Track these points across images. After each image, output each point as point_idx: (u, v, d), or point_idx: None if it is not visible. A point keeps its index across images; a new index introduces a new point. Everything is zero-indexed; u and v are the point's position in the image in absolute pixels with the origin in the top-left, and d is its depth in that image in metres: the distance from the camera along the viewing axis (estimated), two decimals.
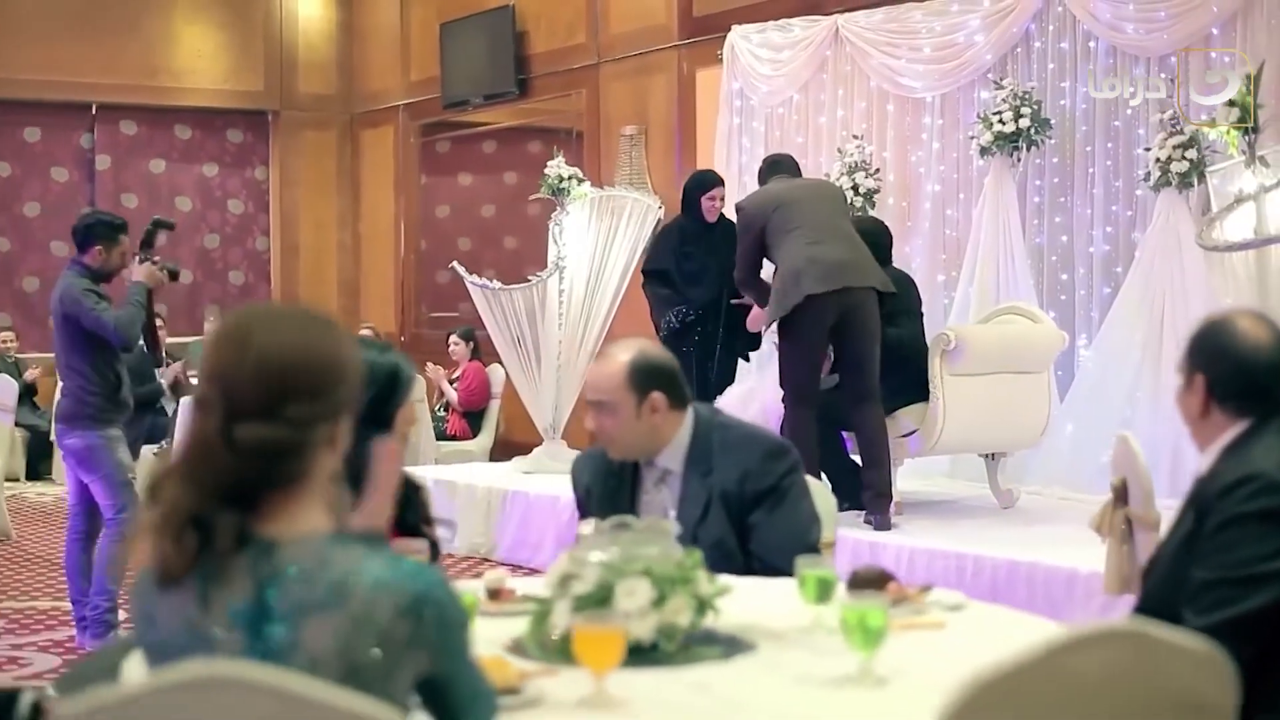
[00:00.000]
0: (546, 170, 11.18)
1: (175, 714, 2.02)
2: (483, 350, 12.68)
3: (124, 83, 15.82)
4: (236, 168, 16.76)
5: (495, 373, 12.48)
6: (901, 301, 8.33)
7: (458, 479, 10.35)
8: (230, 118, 16.67)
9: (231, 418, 2.27)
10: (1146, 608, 3.52)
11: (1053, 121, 9.62)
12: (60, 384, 7.62)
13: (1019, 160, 9.69)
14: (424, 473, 10.44)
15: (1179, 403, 3.54)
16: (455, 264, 10.90)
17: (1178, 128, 8.67)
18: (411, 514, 4.07)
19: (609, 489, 4.21)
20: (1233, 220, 7.52)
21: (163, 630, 2.31)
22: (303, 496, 2.33)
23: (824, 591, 3.36)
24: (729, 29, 11.81)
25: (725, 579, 3.30)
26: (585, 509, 4.29)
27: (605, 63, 13.48)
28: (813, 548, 4.06)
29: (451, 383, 12.56)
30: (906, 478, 8.72)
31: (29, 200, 15.83)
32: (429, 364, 12.64)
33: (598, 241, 10.76)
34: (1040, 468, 9.23)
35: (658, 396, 4.03)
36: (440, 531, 4.23)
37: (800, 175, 8.88)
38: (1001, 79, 9.79)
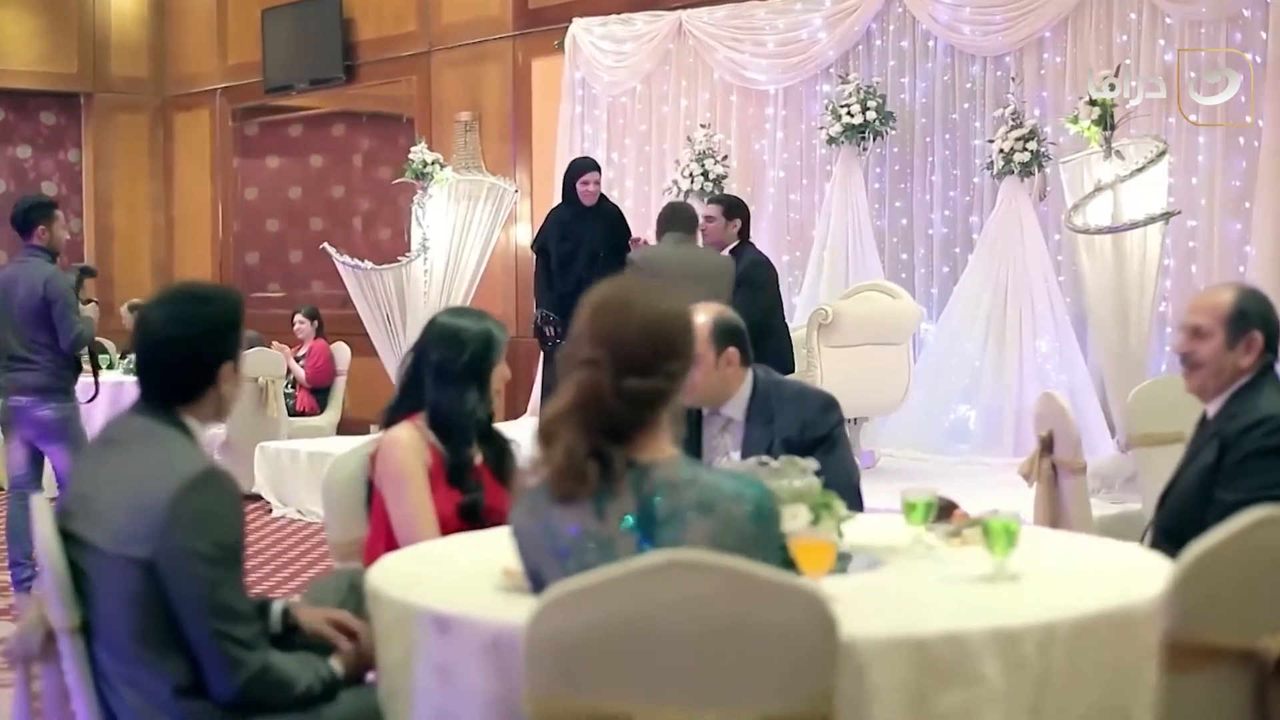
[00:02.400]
0: (411, 155, 11.72)
1: (644, 591, 2.65)
2: (326, 329, 13.13)
3: None
4: (50, 150, 16.87)
5: (340, 350, 12.93)
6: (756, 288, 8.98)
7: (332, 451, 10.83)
8: (43, 100, 16.77)
9: (620, 374, 2.89)
10: (1169, 523, 4.34)
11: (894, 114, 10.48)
12: (24, 360, 7.96)
13: (864, 150, 10.51)
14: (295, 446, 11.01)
15: (1211, 356, 4.34)
16: (326, 245, 11.39)
17: (1018, 121, 9.59)
18: (507, 461, 4.71)
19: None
20: (1094, 207, 8.45)
21: (562, 539, 2.93)
22: (659, 429, 2.97)
23: (927, 515, 4.07)
24: (566, 20, 12.44)
25: None
26: None
27: (437, 50, 14.01)
28: (857, 487, 4.77)
29: (298, 360, 12.96)
30: None
31: None
32: (274, 343, 13.04)
33: (456, 223, 11.34)
34: (894, 431, 10.09)
35: (732, 351, 4.70)
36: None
37: (694, 229, 9.13)
38: (845, 74, 10.60)
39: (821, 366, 8.95)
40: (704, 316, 4.73)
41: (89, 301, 8.34)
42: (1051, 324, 9.53)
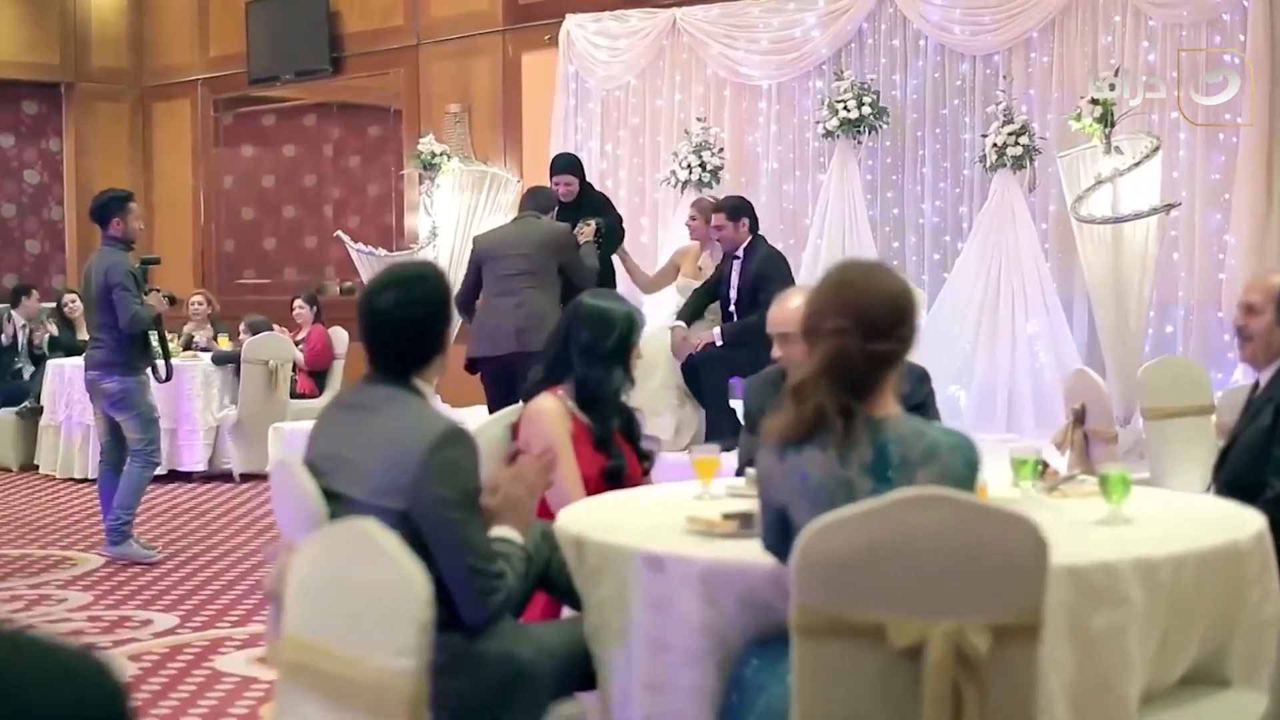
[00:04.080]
0: (420, 145, 12.17)
1: (897, 520, 3.18)
2: (324, 313, 13.58)
3: None
4: (31, 138, 17.17)
5: (338, 334, 13.37)
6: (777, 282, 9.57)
7: None
8: (25, 89, 17.06)
9: (865, 338, 3.42)
10: (1232, 478, 4.94)
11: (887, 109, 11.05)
12: (96, 339, 8.69)
13: (859, 143, 11.07)
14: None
15: (1262, 330, 4.95)
16: (339, 233, 11.83)
17: (1010, 117, 10.18)
18: (634, 428, 5.25)
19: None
20: (1096, 198, 9.06)
21: (811, 480, 3.45)
22: (888, 387, 3.51)
23: (1033, 471, 4.64)
24: (557, 16, 12.90)
25: None
26: (755, 422, 5.47)
27: (426, 44, 14.44)
28: None
29: (297, 344, 13.38)
30: None
31: None
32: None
33: (461, 212, 11.82)
34: None
35: None
36: (647, 444, 5.42)
37: (546, 209, 9.75)
38: (840, 71, 11.15)
39: None
40: (799, 298, 5.25)
41: (154, 289, 8.90)
42: (1042, 307, 10.10)
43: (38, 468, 12.93)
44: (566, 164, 10.67)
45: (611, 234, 10.31)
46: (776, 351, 5.25)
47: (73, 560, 9.14)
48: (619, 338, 5.08)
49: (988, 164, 10.25)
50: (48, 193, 17.26)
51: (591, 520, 4.23)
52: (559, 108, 12.77)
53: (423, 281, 4.00)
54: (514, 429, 5.11)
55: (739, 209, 9.69)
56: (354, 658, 2.90)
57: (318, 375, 13.48)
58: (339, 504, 3.83)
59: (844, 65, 11.28)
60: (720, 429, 9.08)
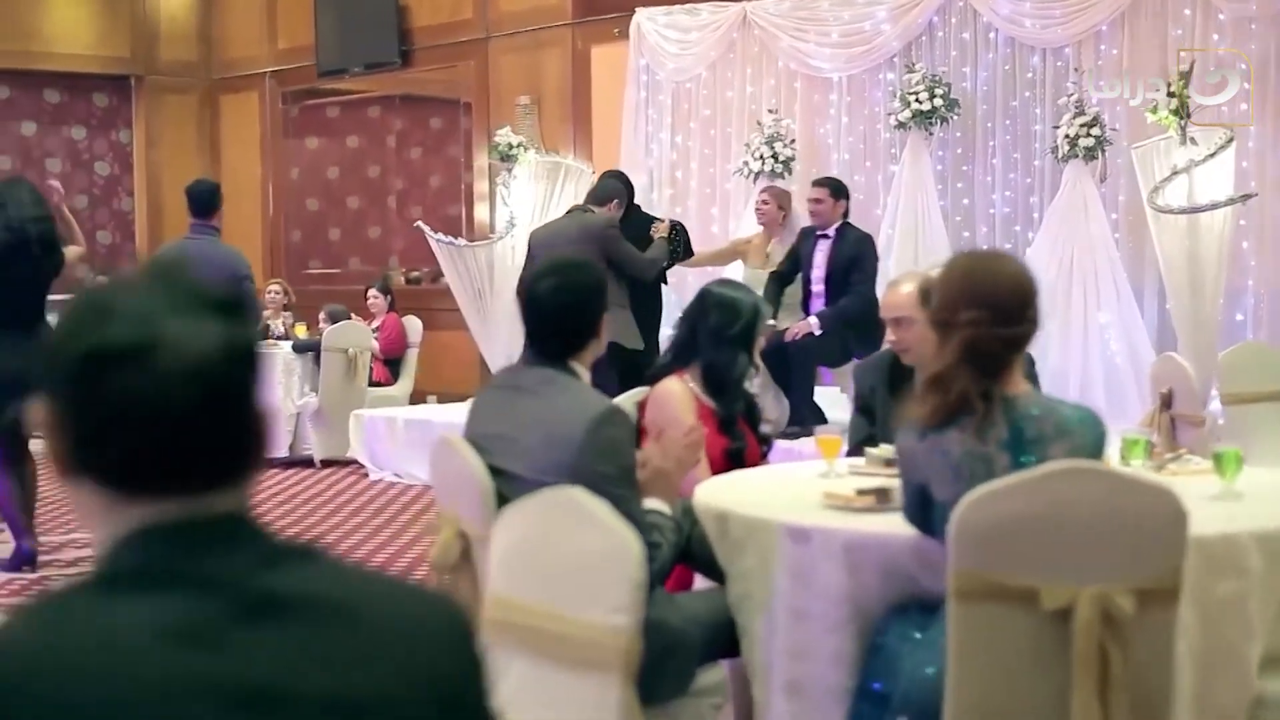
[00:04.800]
0: (496, 137, 12.41)
1: (1047, 491, 3.41)
2: (398, 302, 13.85)
3: None
4: (102, 131, 17.45)
5: (411, 323, 13.62)
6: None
7: (433, 418, 11.58)
8: (96, 82, 17.34)
9: (997, 324, 3.64)
10: None
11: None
12: None
13: (931, 135, 11.26)
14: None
15: None
16: (420, 223, 12.08)
17: (1081, 109, 10.37)
18: (754, 414, 5.48)
19: (891, 388, 5.63)
20: (1172, 189, 9.26)
21: (952, 457, 3.67)
22: (1017, 366, 3.73)
23: (1145, 451, 4.86)
24: (626, 9, 13.10)
25: None
26: (867, 404, 5.70)
27: (495, 37, 14.67)
28: None
29: (372, 332, 13.63)
30: None
31: None
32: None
33: (536, 203, 12.07)
34: None
35: None
36: (765, 428, 5.66)
37: (601, 202, 10.04)
38: (912, 64, 11.34)
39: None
40: (911, 284, 5.49)
41: None
42: (1113, 296, 10.29)
43: None
44: (618, 179, 10.63)
45: (682, 242, 10.43)
46: (891, 335, 5.45)
47: None
48: (745, 325, 5.31)
49: (1059, 155, 10.42)
50: (118, 184, 17.55)
51: (731, 496, 4.45)
52: (630, 100, 12.98)
53: (579, 270, 4.24)
54: (640, 409, 5.34)
55: (841, 190, 10.03)
56: (569, 616, 3.14)
57: (392, 363, 13.74)
58: (503, 480, 4.07)
59: (914, 58, 11.47)
60: (804, 417, 9.31)
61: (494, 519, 4.05)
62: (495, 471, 4.09)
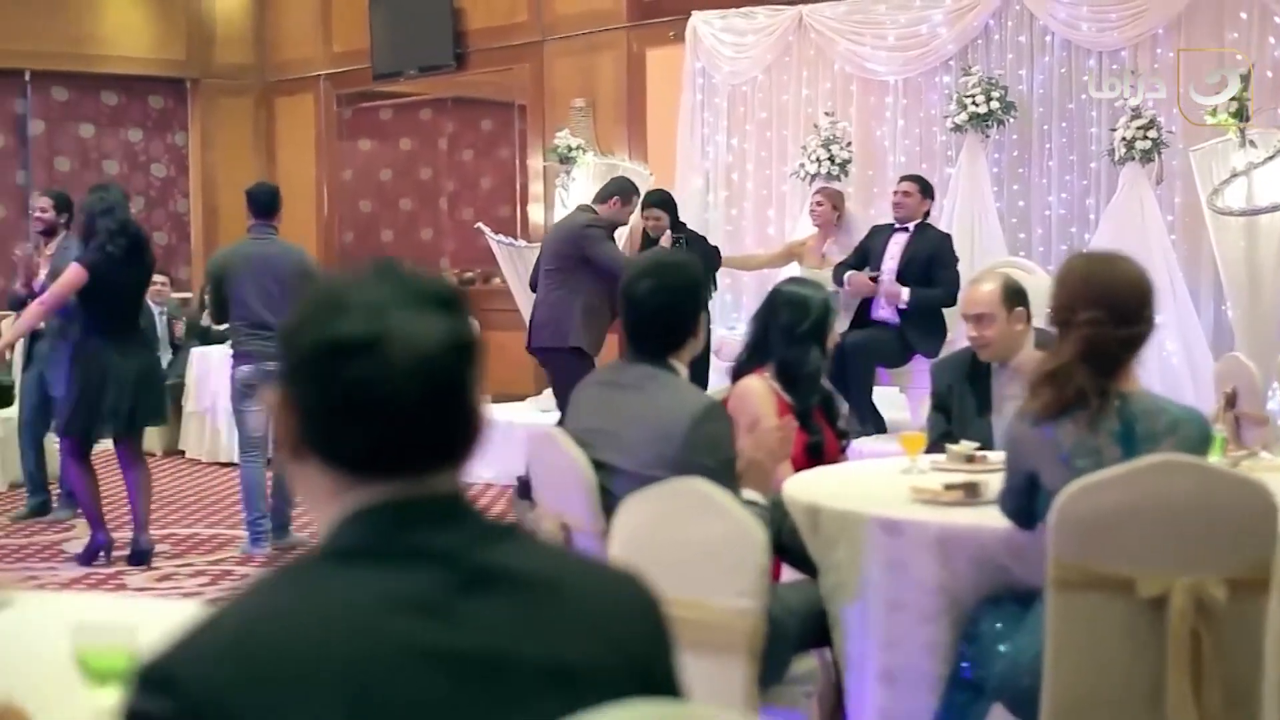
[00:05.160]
0: (555, 140, 12.55)
1: (1145, 483, 3.54)
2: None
3: (55, 51, 16.55)
4: (159, 133, 17.64)
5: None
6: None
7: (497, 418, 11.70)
8: (152, 85, 17.52)
9: (1117, 325, 3.77)
10: None
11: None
12: (271, 330, 8.90)
13: (987, 137, 11.37)
14: None
15: None
16: (480, 225, 12.22)
17: (1138, 112, 10.47)
18: (833, 410, 5.61)
19: (968, 385, 5.76)
20: (1231, 191, 9.37)
21: (1064, 448, 3.79)
22: (1131, 364, 3.85)
23: (1220, 447, 4.97)
24: (682, 13, 13.21)
25: None
26: (944, 402, 5.83)
27: (550, 40, 14.80)
28: None
29: None
30: None
31: None
32: None
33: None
34: None
35: (1020, 310, 5.59)
36: (843, 424, 5.79)
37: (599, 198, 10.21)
38: (968, 67, 11.45)
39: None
40: (992, 282, 5.61)
41: None
42: (1170, 297, 10.35)
43: (181, 452, 13.37)
44: (656, 199, 10.63)
45: (706, 259, 10.39)
46: (971, 330, 5.59)
47: (240, 539, 9.54)
48: (815, 321, 5.44)
49: (1116, 157, 10.52)
50: (174, 186, 17.75)
51: (821, 490, 4.59)
52: (686, 103, 13.09)
53: (678, 270, 4.37)
54: (723, 404, 5.47)
55: (929, 189, 10.30)
56: (696, 601, 3.28)
57: None
58: (606, 473, 4.21)
59: (971, 61, 11.57)
60: (863, 417, 9.43)
61: (598, 510, 4.19)
62: (598, 465, 4.23)
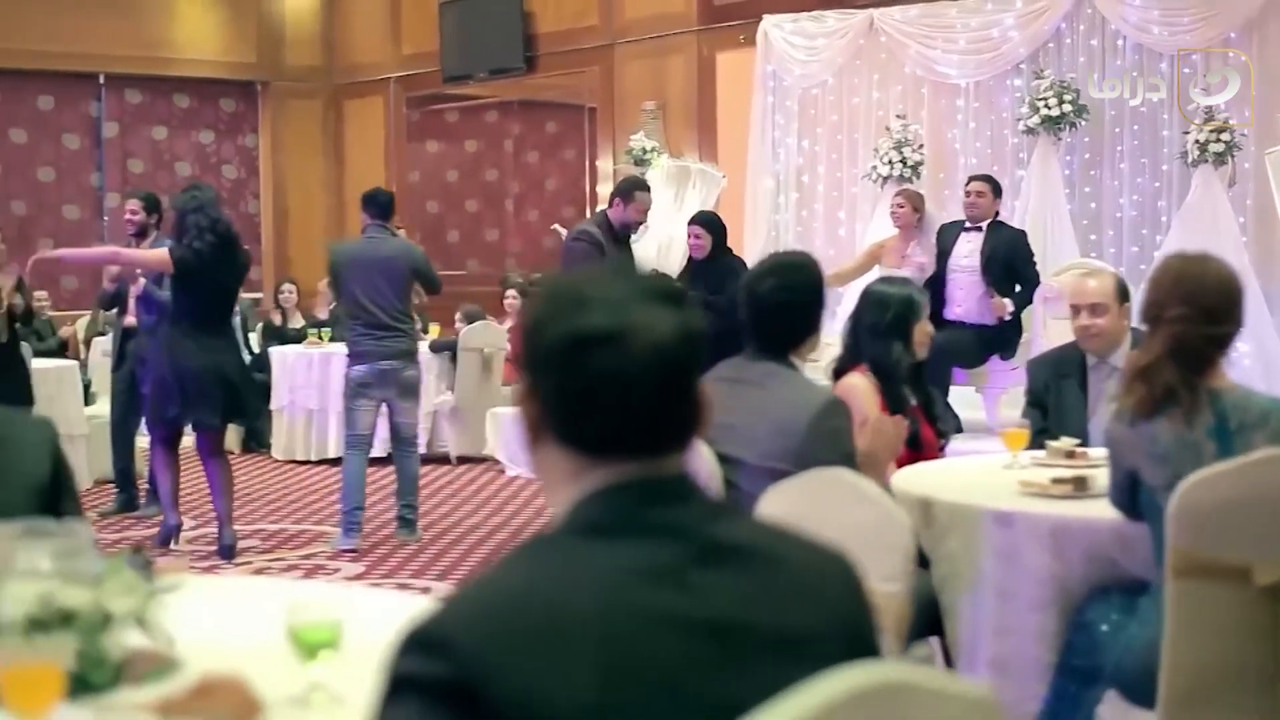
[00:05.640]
0: (631, 142, 12.72)
1: (1257, 475, 3.67)
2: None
3: (129, 54, 16.81)
4: (230, 135, 17.91)
5: None
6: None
7: None
8: (224, 88, 17.80)
9: (1206, 323, 3.90)
10: None
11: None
12: (393, 329, 9.20)
13: (1059, 139, 11.47)
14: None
15: None
16: (557, 226, 12.39)
17: (1211, 114, 10.58)
18: (932, 407, 5.75)
19: (1065, 382, 5.89)
20: None
21: (1161, 444, 3.93)
22: (1221, 361, 3.98)
23: None
24: (752, 16, 13.36)
25: None
26: (1040, 399, 5.97)
27: (620, 44, 14.97)
28: None
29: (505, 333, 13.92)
30: (1009, 406, 10.47)
31: (42, 165, 16.79)
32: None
33: (667, 206, 12.37)
34: None
35: (1127, 306, 5.73)
36: (941, 426, 5.93)
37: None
38: (1039, 70, 11.56)
39: (1047, 335, 9.93)
40: (1105, 275, 5.76)
41: None
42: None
43: (255, 450, 13.56)
44: (700, 218, 10.30)
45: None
46: (1085, 320, 5.72)
47: (328, 534, 9.73)
48: (895, 316, 5.58)
49: (1189, 159, 10.62)
50: (244, 187, 18.00)
51: (932, 483, 4.73)
52: (757, 105, 13.23)
53: (799, 269, 4.53)
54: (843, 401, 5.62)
55: (1000, 187, 10.47)
56: None
57: None
58: (729, 466, 4.36)
59: (1042, 64, 11.67)
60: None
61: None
62: (721, 459, 4.38)
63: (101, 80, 17.07)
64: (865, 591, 2.02)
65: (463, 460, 12.78)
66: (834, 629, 1.93)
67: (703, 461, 4.34)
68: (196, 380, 8.61)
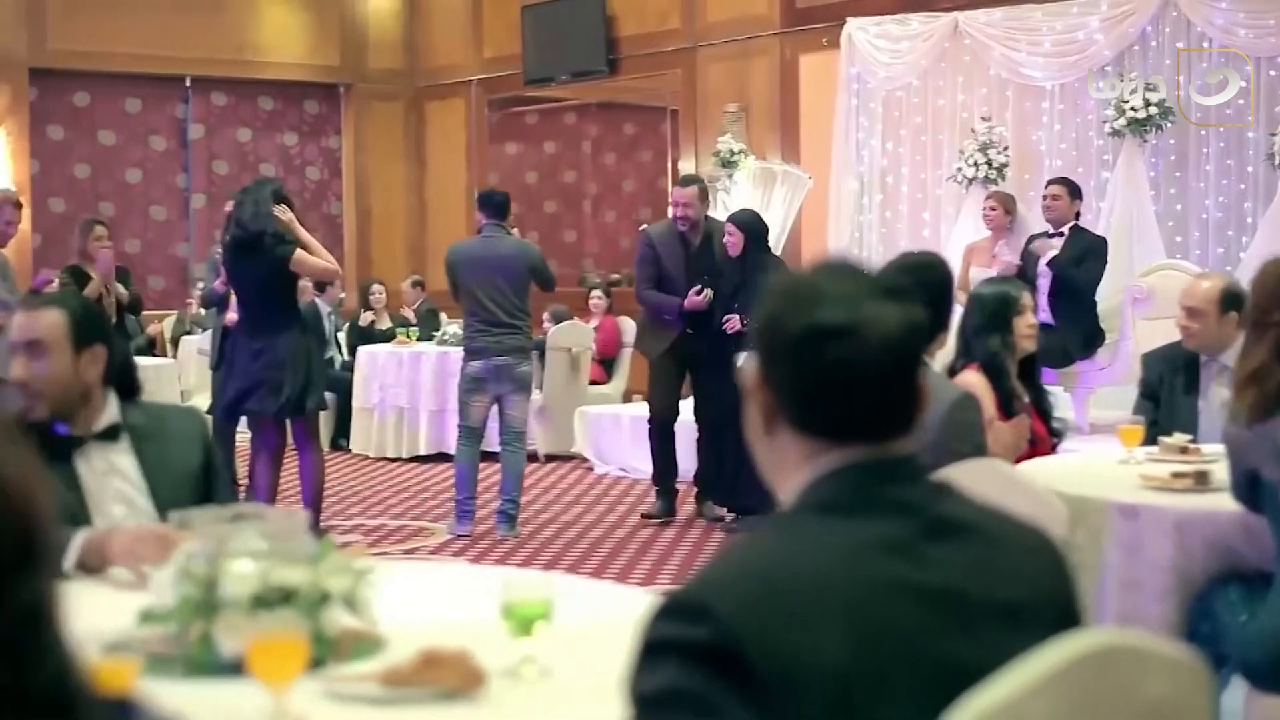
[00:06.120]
0: (718, 144, 12.88)
1: None
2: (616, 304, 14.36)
3: (214, 57, 17.05)
4: (313, 137, 18.15)
5: (626, 324, 14.09)
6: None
7: None
8: (308, 90, 18.04)
9: None
10: None
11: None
12: (509, 326, 9.44)
13: (1144, 141, 11.56)
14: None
15: None
16: (645, 227, 12.52)
17: None
18: (1045, 404, 5.89)
19: (1178, 376, 6.03)
20: None
21: (1279, 442, 4.06)
22: None
23: None
24: (835, 19, 13.48)
25: None
26: (1153, 391, 6.11)
27: (703, 46, 15.11)
28: None
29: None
30: (1097, 406, 10.59)
31: (130, 167, 17.06)
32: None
33: (754, 207, 12.51)
34: None
35: (1233, 315, 5.85)
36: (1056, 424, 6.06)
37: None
38: (1125, 72, 11.64)
39: (1135, 336, 10.03)
40: (1214, 281, 5.89)
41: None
42: None
43: (344, 448, 13.77)
44: (738, 217, 10.27)
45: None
46: (1182, 320, 5.86)
47: (429, 530, 9.92)
48: (990, 314, 5.73)
49: (1275, 162, 10.70)
50: (327, 188, 18.24)
51: (1054, 477, 4.87)
52: (841, 107, 13.34)
53: (929, 268, 4.67)
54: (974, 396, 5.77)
55: (1078, 190, 10.61)
56: None
57: (606, 363, 14.23)
58: None
59: (1127, 66, 11.75)
60: None
61: None
62: None
63: (188, 83, 17.32)
64: (1070, 567, 2.17)
65: (550, 458, 12.94)
66: (1047, 601, 2.09)
67: None
68: (244, 372, 8.78)
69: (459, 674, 2.55)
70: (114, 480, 4.02)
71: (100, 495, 3.99)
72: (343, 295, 15.84)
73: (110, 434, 4.03)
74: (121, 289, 10.21)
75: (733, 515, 9.84)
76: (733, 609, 1.87)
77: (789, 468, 2.10)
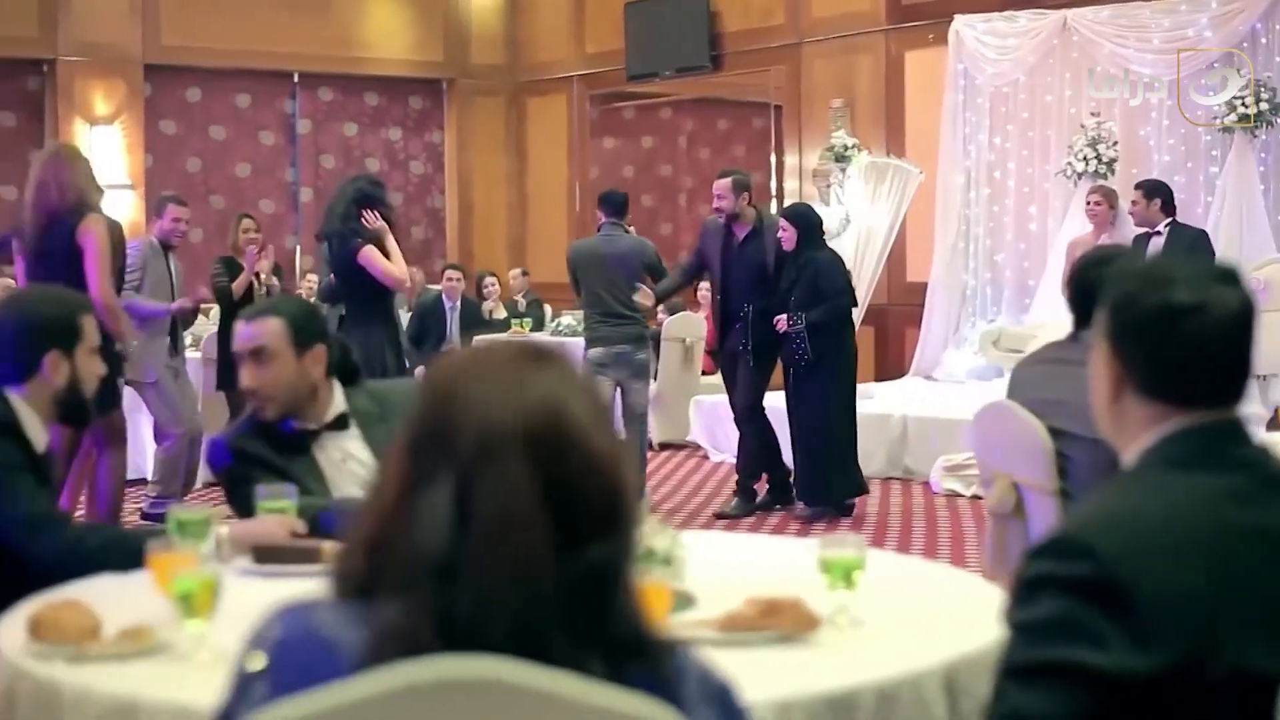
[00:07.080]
0: (832, 139, 13.16)
1: None
2: None
3: (321, 53, 17.42)
4: (417, 132, 18.49)
5: None
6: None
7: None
8: (411, 85, 18.39)
9: None
10: None
11: None
12: (624, 316, 9.92)
13: (1255, 137, 11.77)
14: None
15: None
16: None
17: None
18: None
19: None
20: None
21: None
22: None
23: None
24: (941, 16, 13.72)
25: None
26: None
27: (807, 42, 15.37)
28: None
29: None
30: None
31: (240, 161, 17.46)
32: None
33: (865, 201, 12.79)
34: None
35: None
36: None
37: None
38: (1240, 69, 11.83)
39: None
40: None
41: None
42: None
43: None
44: (789, 211, 10.32)
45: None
46: None
47: None
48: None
49: None
50: (431, 182, 18.58)
51: None
52: (949, 103, 13.58)
53: (1121, 258, 4.94)
54: None
55: (1154, 190, 10.59)
56: None
57: (714, 353, 14.47)
58: (1061, 439, 4.79)
59: (1237, 63, 11.95)
60: None
61: (1053, 472, 4.77)
62: (1052, 432, 4.81)
63: (295, 79, 17.69)
64: None
65: (664, 446, 13.22)
66: None
67: (1034, 434, 4.77)
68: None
69: (796, 618, 2.85)
70: (350, 466, 4.32)
71: (340, 482, 4.28)
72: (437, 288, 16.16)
73: (339, 423, 4.32)
74: (275, 281, 10.54)
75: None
76: (1113, 547, 2.16)
77: (1134, 429, 2.39)
